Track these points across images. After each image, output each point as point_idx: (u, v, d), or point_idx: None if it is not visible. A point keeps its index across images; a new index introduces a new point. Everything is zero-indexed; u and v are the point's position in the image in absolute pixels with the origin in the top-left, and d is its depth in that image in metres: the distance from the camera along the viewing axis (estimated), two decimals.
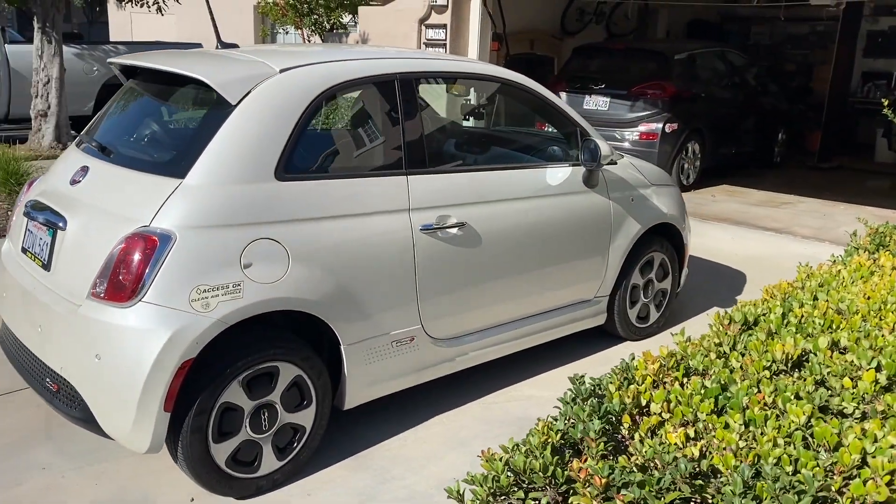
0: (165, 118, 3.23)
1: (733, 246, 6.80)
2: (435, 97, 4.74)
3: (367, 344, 3.22)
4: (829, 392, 2.19)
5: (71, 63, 10.12)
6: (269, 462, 3.01)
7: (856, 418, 2.10)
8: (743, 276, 5.93)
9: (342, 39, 10.75)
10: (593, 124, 8.78)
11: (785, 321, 2.70)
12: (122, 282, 2.69)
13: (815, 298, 2.94)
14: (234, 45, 3.52)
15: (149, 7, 10.69)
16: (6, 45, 10.38)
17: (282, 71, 3.07)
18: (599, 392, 2.22)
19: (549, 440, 1.95)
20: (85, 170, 3.15)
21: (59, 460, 3.18)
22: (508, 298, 3.79)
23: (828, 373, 2.32)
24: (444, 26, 9.04)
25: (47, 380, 2.96)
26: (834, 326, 2.64)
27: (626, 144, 8.69)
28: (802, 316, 2.75)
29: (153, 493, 2.99)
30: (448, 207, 3.42)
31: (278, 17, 18.34)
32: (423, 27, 9.29)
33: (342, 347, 3.13)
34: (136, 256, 2.68)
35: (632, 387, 2.18)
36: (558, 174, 3.92)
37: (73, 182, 3.14)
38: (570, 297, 4.15)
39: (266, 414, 2.95)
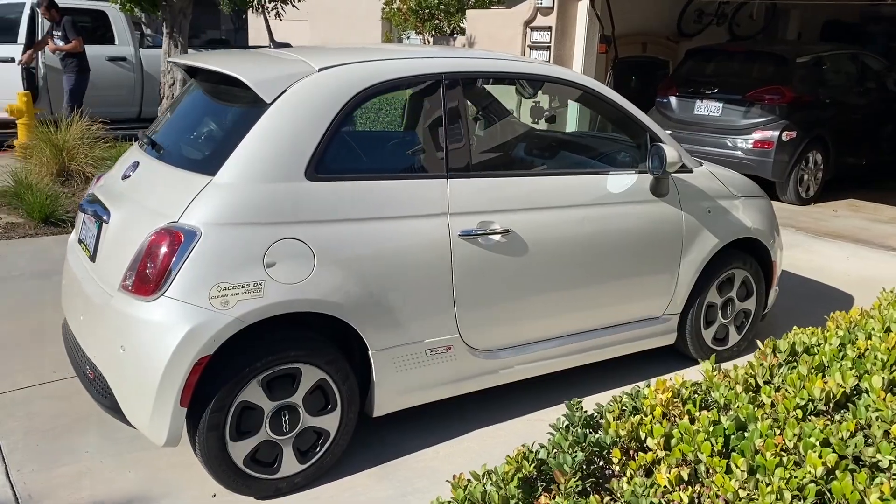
0: (210, 116, 3.28)
1: (846, 266, 6.20)
2: (512, 101, 4.58)
3: (398, 351, 3.13)
4: (868, 440, 1.89)
5: None
6: (290, 464, 2.97)
7: (894, 474, 1.80)
8: (850, 300, 5.38)
9: (450, 42, 10.74)
10: (705, 131, 8.40)
11: (841, 354, 2.38)
12: (147, 275, 2.74)
13: (888, 330, 2.58)
14: (287, 45, 3.52)
15: (267, 12, 11.10)
16: (140, 49, 11.10)
17: (320, 70, 3.04)
18: (597, 421, 2.02)
19: (522, 470, 1.78)
20: (136, 165, 3.24)
21: (103, 445, 3.29)
22: (560, 312, 3.59)
23: (876, 417, 2.01)
24: (549, 28, 8.83)
25: (87, 367, 3.07)
26: None
27: (739, 153, 8.18)
28: (866, 349, 2.41)
29: (178, 486, 3.03)
30: (492, 213, 3.28)
31: (400, 23, 18.71)
32: (528, 30, 9.11)
33: (370, 353, 3.06)
34: (162, 251, 2.72)
35: (633, 417, 1.96)
36: (621, 181, 3.68)
37: (125, 177, 3.24)
38: (634, 313, 3.89)
39: (287, 416, 2.92)
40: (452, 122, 3.23)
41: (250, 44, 25.55)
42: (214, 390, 2.76)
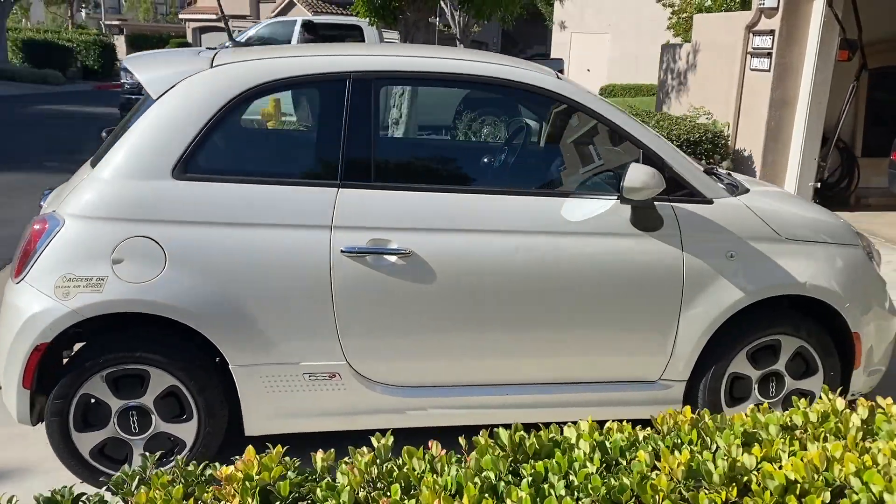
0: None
1: None
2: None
3: (267, 370, 2.90)
4: None
5: None
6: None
7: None
8: None
9: (675, 51, 9.70)
10: None
11: (711, 466, 1.63)
12: (21, 259, 2.88)
13: (860, 450, 1.71)
14: (246, 45, 3.46)
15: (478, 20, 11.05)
16: None
17: (214, 66, 2.93)
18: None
19: None
20: None
21: None
22: (491, 355, 3.03)
23: None
24: (772, 33, 7.56)
25: None
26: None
27: None
28: (758, 462, 1.64)
29: None
30: (390, 231, 2.88)
31: (682, 32, 17.60)
32: (750, 34, 7.91)
33: (230, 367, 2.88)
34: (31, 237, 2.85)
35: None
36: (581, 207, 2.98)
37: None
38: (611, 371, 3.14)
39: (136, 416, 2.88)
40: (355, 127, 2.89)
41: (551, 56, 25.99)
42: (57, 378, 2.81)
